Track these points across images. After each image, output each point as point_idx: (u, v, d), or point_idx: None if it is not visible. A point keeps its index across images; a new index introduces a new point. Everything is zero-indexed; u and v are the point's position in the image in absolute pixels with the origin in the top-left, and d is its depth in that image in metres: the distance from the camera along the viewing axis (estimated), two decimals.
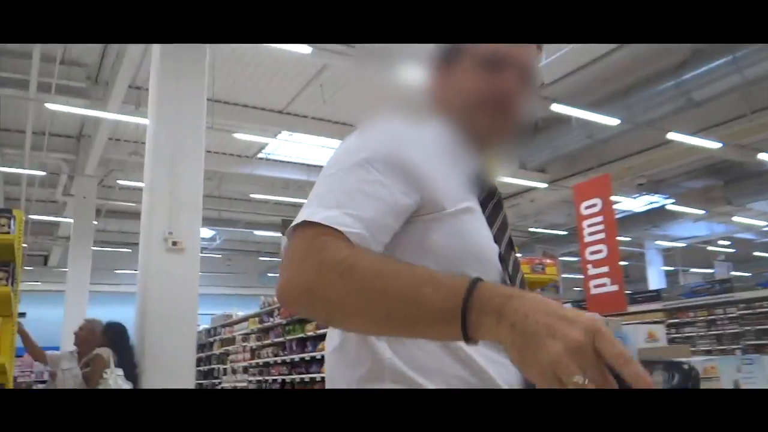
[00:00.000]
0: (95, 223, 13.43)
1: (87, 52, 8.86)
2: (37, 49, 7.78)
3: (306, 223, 0.83)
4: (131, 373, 4.81)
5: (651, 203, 14.95)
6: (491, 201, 1.00)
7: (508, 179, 11.63)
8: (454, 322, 0.69)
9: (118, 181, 12.65)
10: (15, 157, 11.42)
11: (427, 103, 1.04)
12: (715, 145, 9.81)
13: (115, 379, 4.47)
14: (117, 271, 19.91)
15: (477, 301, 0.68)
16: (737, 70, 7.65)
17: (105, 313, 5.79)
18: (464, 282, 0.70)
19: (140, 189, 6.56)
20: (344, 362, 0.95)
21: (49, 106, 8.63)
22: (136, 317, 5.78)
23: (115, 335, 4.95)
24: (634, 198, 14.57)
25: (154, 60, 6.44)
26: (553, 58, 8.38)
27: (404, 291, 0.72)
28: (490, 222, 0.97)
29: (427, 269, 0.75)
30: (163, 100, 6.17)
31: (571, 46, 8.08)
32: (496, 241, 0.95)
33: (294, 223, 0.85)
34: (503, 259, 0.95)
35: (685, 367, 0.69)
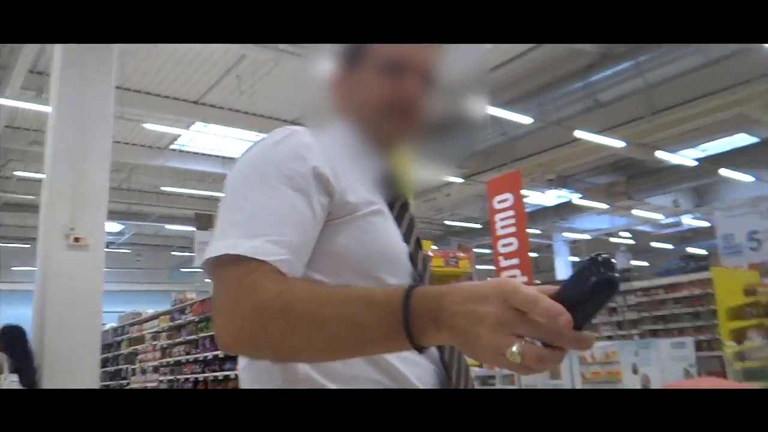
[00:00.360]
0: None
1: None
2: None
3: (228, 256, 0.80)
4: (30, 379, 4.53)
5: (559, 197, 15.63)
6: (398, 201, 1.00)
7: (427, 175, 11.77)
8: (400, 337, 0.70)
9: (16, 173, 11.84)
10: None
11: (332, 105, 1.03)
12: (618, 143, 10.37)
13: (9, 386, 4.20)
14: (13, 269, 18.66)
15: (414, 313, 0.69)
16: (640, 73, 8.10)
17: (0, 314, 5.42)
18: (398, 296, 0.70)
19: (40, 181, 6.17)
20: (257, 379, 0.93)
21: None
22: (34, 318, 5.45)
23: (10, 339, 4.65)
24: (544, 193, 15.18)
25: (57, 44, 6.06)
26: None
27: (344, 318, 0.72)
28: (398, 222, 0.97)
29: (359, 289, 0.77)
30: (67, 86, 5.82)
31: (489, 45, 8.27)
32: (405, 241, 0.96)
33: (213, 255, 0.81)
34: (412, 257, 0.95)
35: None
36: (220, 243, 0.81)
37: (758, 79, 8.39)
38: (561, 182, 14.09)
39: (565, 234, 19.12)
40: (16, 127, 10.57)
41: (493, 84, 10.32)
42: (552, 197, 15.77)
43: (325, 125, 1.01)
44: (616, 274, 0.65)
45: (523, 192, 10.93)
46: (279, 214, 0.83)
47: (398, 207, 0.99)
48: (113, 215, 15.42)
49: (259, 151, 0.90)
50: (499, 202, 8.66)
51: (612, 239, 19.53)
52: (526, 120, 9.49)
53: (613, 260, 0.66)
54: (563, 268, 19.23)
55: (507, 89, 10.24)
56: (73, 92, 5.83)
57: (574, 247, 19.83)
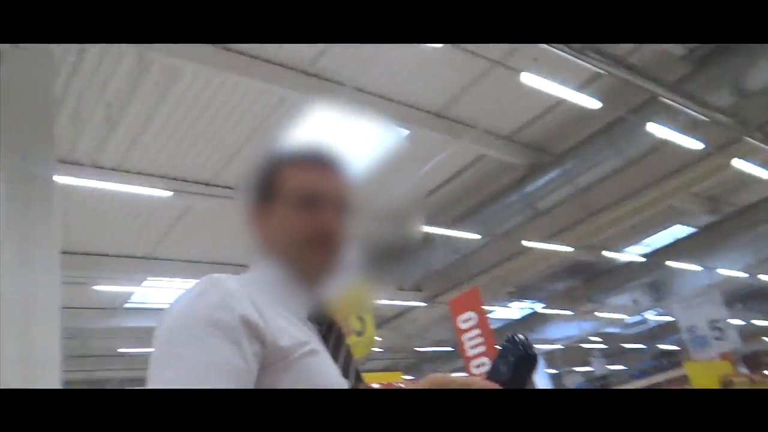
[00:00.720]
0: None
1: None
2: None
3: None
4: None
5: (523, 309, 15.66)
6: (332, 334, 1.01)
7: (386, 301, 11.78)
8: None
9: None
10: None
11: (255, 243, 1.04)
12: (566, 248, 10.65)
13: None
14: None
15: None
16: (569, 180, 8.53)
17: None
18: None
19: None
20: None
21: None
22: None
23: None
24: (509, 306, 15.22)
25: None
26: (411, 182, 8.92)
27: None
28: (335, 356, 0.97)
29: None
30: (8, 255, 5.77)
31: (424, 169, 8.69)
32: (344, 375, 0.96)
33: None
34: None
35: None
36: None
37: (678, 172, 8.92)
38: (522, 293, 14.20)
39: (537, 346, 18.89)
40: None
41: (435, 205, 10.68)
42: (516, 310, 15.79)
43: (252, 264, 1.03)
44: (532, 350, 0.75)
45: (486, 308, 10.97)
46: (212, 369, 0.82)
47: (333, 341, 1.00)
48: (73, 385, 14.75)
49: (185, 304, 0.89)
50: (464, 321, 8.63)
51: (584, 345, 19.38)
52: (474, 236, 9.73)
53: (525, 338, 0.77)
54: (541, 381, 18.82)
55: (450, 209, 10.59)
56: (15, 264, 5.78)
57: (549, 357, 19.56)
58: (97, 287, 9.90)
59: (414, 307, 13.44)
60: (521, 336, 0.75)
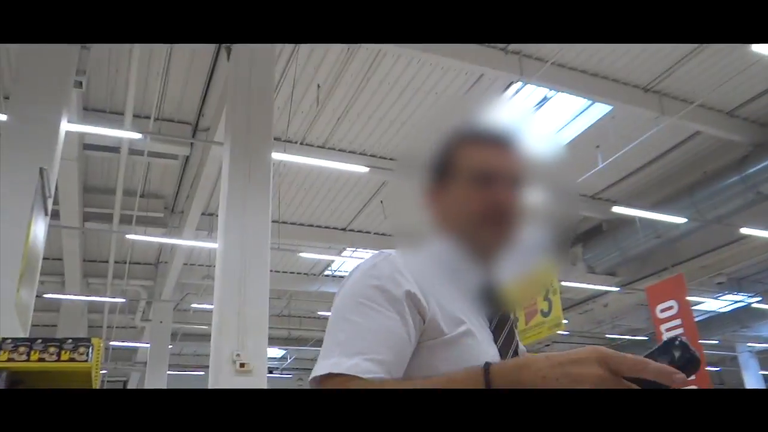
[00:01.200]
0: (170, 346, 13.81)
1: (165, 184, 9.57)
2: (120, 184, 8.49)
3: (331, 375, 0.87)
4: None
5: (735, 302, 14.10)
6: (499, 317, 1.02)
7: (575, 284, 11.34)
8: None
9: (192, 305, 13.11)
10: (99, 287, 12.12)
11: (428, 221, 1.07)
12: None
13: None
14: None
15: (496, 379, 0.76)
16: None
17: None
18: (477, 373, 0.78)
19: (212, 311, 6.78)
20: None
21: (130, 236, 9.26)
22: None
23: None
24: (717, 298, 13.80)
25: (223, 187, 6.88)
26: (611, 161, 8.41)
27: (432, 388, 0.80)
28: (496, 336, 0.99)
29: (440, 375, 0.83)
30: (231, 224, 6.49)
31: (627, 147, 8.12)
32: (502, 357, 0.97)
33: (319, 373, 0.88)
34: None
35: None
36: (325, 362, 0.88)
37: None
38: (734, 285, 12.77)
39: (750, 344, 16.96)
40: (192, 264, 11.87)
41: (638, 186, 9.96)
42: (726, 302, 14.27)
43: (420, 243, 1.06)
44: (696, 353, 0.73)
45: (690, 298, 10.07)
46: (376, 335, 0.89)
47: (497, 321, 1.01)
48: (275, 341, 16.37)
49: (358, 276, 0.96)
50: (662, 310, 8.07)
51: None
52: (680, 220, 8.93)
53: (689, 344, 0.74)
54: (753, 382, 16.89)
55: (654, 190, 9.81)
56: (235, 229, 6.48)
57: (764, 358, 17.46)
58: (302, 254, 10.77)
59: (606, 292, 12.75)
60: (685, 340, 0.74)
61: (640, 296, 11.50)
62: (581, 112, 8.33)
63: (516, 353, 1.01)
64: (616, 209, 9.00)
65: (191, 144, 8.26)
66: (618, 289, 12.07)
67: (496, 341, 0.98)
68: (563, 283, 11.04)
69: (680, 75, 7.49)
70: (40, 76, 5.26)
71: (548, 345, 16.93)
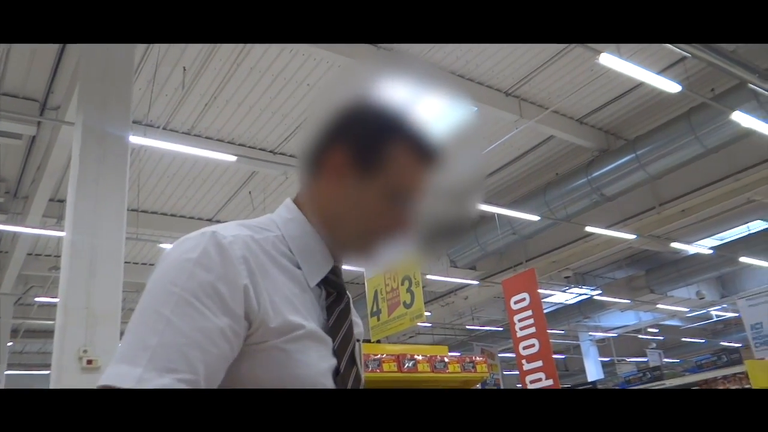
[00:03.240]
0: (10, 344, 12.59)
1: (6, 166, 8.67)
2: None
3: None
4: None
5: (579, 295, 15.37)
6: (338, 307, 0.92)
7: (439, 277, 11.76)
8: None
9: (36, 299, 12.03)
10: None
11: (312, 196, 0.94)
12: (629, 236, 10.33)
13: None
14: None
15: None
16: (640, 166, 8.23)
17: None
18: None
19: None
20: None
21: None
22: None
23: None
24: (564, 291, 14.96)
25: (72, 171, 6.36)
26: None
27: None
28: (333, 332, 0.88)
29: None
30: (80, 211, 6.01)
31: (490, 147, 8.54)
32: (337, 355, 0.87)
33: (114, 385, 0.72)
34: (345, 377, 0.87)
35: None
36: (127, 370, 0.72)
37: (762, 164, 8.46)
38: (579, 279, 13.92)
39: (592, 333, 18.60)
40: (38, 254, 10.88)
41: (498, 185, 10.53)
42: (572, 295, 15.53)
43: (287, 211, 0.94)
44: None
45: (541, 291, 10.81)
46: (196, 347, 0.74)
47: (336, 314, 0.90)
48: None
49: (179, 259, 0.80)
50: (516, 302, 8.55)
51: (640, 336, 18.93)
52: (534, 218, 9.55)
53: None
54: (593, 368, 18.53)
55: (512, 189, 10.43)
56: (86, 216, 6.01)
57: (603, 346, 19.21)
58: (163, 245, 10.23)
59: (466, 285, 13.37)
60: None
61: (498, 289, 12.18)
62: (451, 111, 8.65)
63: (352, 354, 0.90)
64: (479, 206, 9.45)
65: (38, 123, 7.53)
66: (477, 282, 12.69)
67: (334, 336, 0.88)
68: (428, 277, 11.42)
69: (538, 81, 8.00)
70: None
71: (412, 336, 17.49)
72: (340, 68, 7.24)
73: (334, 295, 0.92)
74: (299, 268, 0.89)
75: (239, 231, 0.86)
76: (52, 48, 6.67)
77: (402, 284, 8.52)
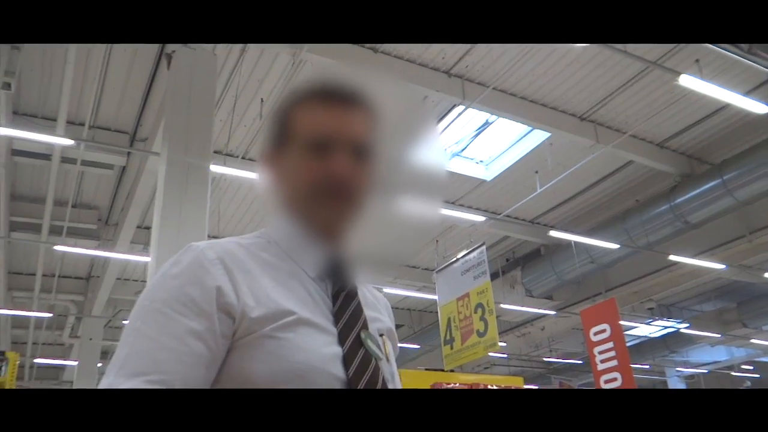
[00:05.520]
0: (100, 365, 13.26)
1: (99, 194, 9.26)
2: (51, 193, 8.16)
3: None
4: None
5: (665, 328, 14.61)
6: (342, 293, 0.90)
7: (513, 306, 11.52)
8: None
9: (124, 322, 12.63)
10: (24, 300, 11.55)
11: (270, 196, 0.94)
12: (718, 266, 9.77)
13: None
14: None
15: None
16: (728, 192, 7.81)
17: None
18: None
19: None
20: None
21: (59, 248, 8.87)
22: None
23: None
24: (648, 323, 14.27)
25: (158, 199, 6.70)
26: (548, 187, 8.63)
27: None
28: (337, 318, 0.86)
29: None
30: (165, 238, 6.31)
31: (565, 173, 8.35)
32: (340, 341, 0.84)
33: None
34: (347, 359, 0.84)
35: None
36: (104, 378, 0.75)
37: None
38: (663, 311, 13.25)
39: (679, 369, 17.59)
40: (126, 279, 11.48)
41: (574, 212, 10.26)
42: (657, 328, 14.78)
43: (270, 219, 0.94)
44: None
45: (622, 323, 10.37)
46: (165, 348, 0.75)
47: (341, 300, 0.89)
48: None
49: (159, 276, 0.82)
50: (596, 334, 8.25)
51: (733, 374, 17.72)
52: (613, 246, 9.22)
53: None
54: None
55: (589, 216, 10.13)
56: (170, 243, 6.30)
57: (692, 382, 18.11)
58: None
59: (543, 316, 13.00)
60: None
61: (576, 320, 11.78)
62: (521, 138, 8.55)
63: (358, 337, 0.87)
64: (553, 234, 9.23)
65: (128, 154, 8.03)
66: (554, 312, 12.31)
67: (337, 322, 0.86)
68: (502, 306, 11.20)
69: (614, 106, 7.80)
70: None
71: (487, 368, 17.11)
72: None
73: (339, 284, 0.90)
74: (294, 265, 0.89)
75: (222, 241, 0.87)
76: (142, 83, 7.12)
77: (475, 312, 8.42)
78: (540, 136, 8.28)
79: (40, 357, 14.57)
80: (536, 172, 8.76)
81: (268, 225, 0.94)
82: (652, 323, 14.39)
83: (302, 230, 0.91)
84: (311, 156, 0.88)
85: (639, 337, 15.79)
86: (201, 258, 0.82)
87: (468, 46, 6.74)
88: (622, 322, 9.82)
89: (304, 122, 0.90)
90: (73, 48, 5.83)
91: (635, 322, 14.10)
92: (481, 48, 6.76)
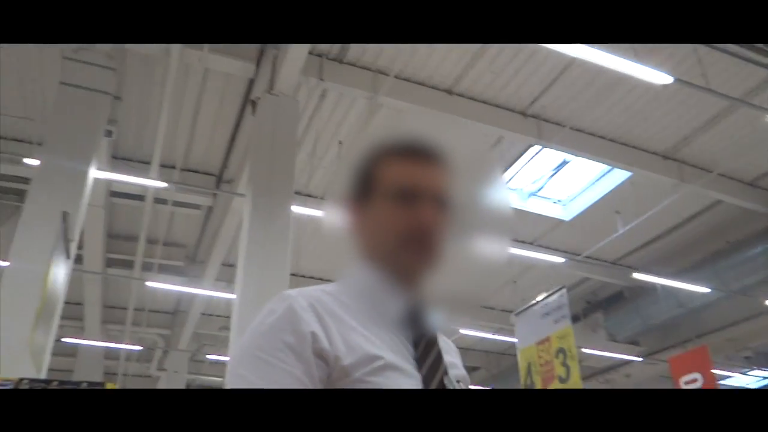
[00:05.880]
0: None
1: (186, 233, 9.75)
2: (143, 232, 8.67)
3: None
4: None
5: (764, 378, 13.58)
6: (423, 339, 0.94)
7: (596, 351, 11.08)
8: None
9: (208, 356, 13.07)
10: (117, 333, 12.20)
11: (352, 248, 0.99)
12: None
13: None
14: None
15: None
16: None
17: None
18: None
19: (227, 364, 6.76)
20: None
21: (150, 283, 9.38)
22: None
23: None
24: (745, 373, 13.33)
25: (242, 239, 6.98)
26: (631, 227, 8.36)
27: None
28: (420, 363, 0.90)
29: None
30: (249, 276, 6.52)
31: (648, 214, 8.08)
32: (425, 385, 0.88)
33: None
34: None
35: None
36: None
37: None
38: (763, 360, 12.34)
39: None
40: (210, 314, 11.92)
41: (659, 254, 9.85)
42: (754, 379, 13.76)
43: (346, 272, 0.98)
44: None
45: (716, 372, 9.74)
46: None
47: (422, 347, 0.92)
48: None
49: (255, 325, 0.88)
50: (687, 383, 7.85)
51: None
52: (703, 289, 8.76)
53: None
54: None
55: (675, 259, 9.69)
56: (253, 281, 6.50)
57: None
58: None
59: (628, 362, 12.40)
60: None
61: (664, 367, 11.17)
62: (600, 177, 8.37)
63: (441, 380, 0.91)
64: (637, 276, 8.88)
65: (214, 195, 8.46)
66: (640, 359, 11.74)
67: (420, 370, 0.89)
68: (584, 350, 10.80)
69: (699, 144, 7.52)
70: (72, 124, 5.50)
71: None
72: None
73: (420, 330, 0.94)
74: (378, 312, 0.93)
75: (309, 289, 0.93)
76: (228, 128, 7.53)
77: (556, 357, 8.16)
78: (620, 175, 8.08)
79: (128, 388, 15.22)
80: (617, 212, 8.51)
81: (349, 272, 0.98)
82: (749, 373, 13.42)
83: (384, 277, 0.95)
84: (398, 205, 0.94)
85: (735, 388, 14.73)
86: (294, 306, 0.87)
87: (543, 86, 6.73)
88: (715, 371, 9.24)
89: (390, 175, 0.96)
90: (167, 96, 6.27)
91: (731, 372, 13.20)
92: (557, 87, 6.74)
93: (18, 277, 4.82)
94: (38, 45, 6.30)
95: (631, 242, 9.52)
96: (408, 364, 0.89)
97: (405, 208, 0.93)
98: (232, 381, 0.83)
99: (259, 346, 0.84)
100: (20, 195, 7.79)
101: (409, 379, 0.87)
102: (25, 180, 7.02)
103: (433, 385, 0.89)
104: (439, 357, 0.93)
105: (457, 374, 0.98)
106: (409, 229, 0.93)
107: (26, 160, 6.80)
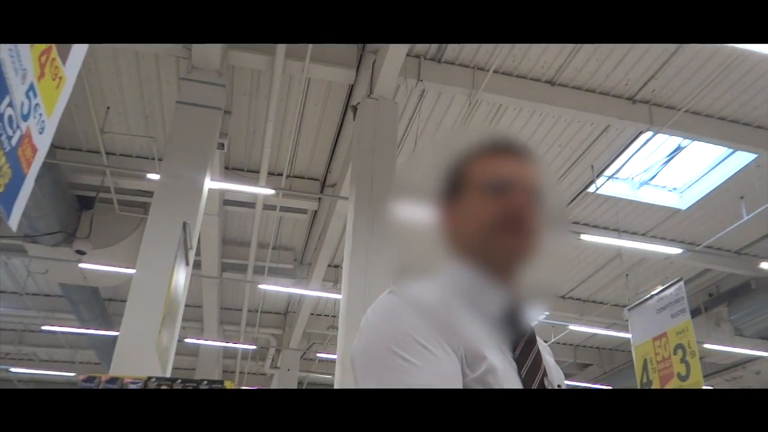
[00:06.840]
0: None
1: (294, 237, 10.09)
2: (254, 237, 9.07)
3: None
4: None
5: None
6: (522, 338, 0.92)
7: (719, 347, 10.38)
8: None
9: (318, 354, 13.48)
10: (233, 333, 12.84)
11: (443, 244, 0.97)
12: None
13: None
14: None
15: None
16: None
17: None
18: None
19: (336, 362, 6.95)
20: None
21: (262, 286, 9.78)
22: None
23: None
24: None
25: (347, 240, 7.13)
26: (757, 213, 7.75)
27: None
28: (520, 363, 0.89)
29: None
30: (354, 276, 6.66)
31: None
32: (524, 385, 0.87)
33: None
34: None
35: None
36: None
37: None
38: None
39: None
40: (318, 314, 12.27)
41: None
42: None
43: (436, 272, 0.96)
44: None
45: None
46: (444, 382, 0.79)
47: (522, 347, 0.91)
48: None
49: (374, 326, 0.86)
50: None
51: None
52: None
53: None
54: None
55: None
56: (359, 281, 6.64)
57: None
58: None
59: (757, 358, 11.52)
60: None
61: None
62: (720, 162, 7.81)
63: (542, 382, 0.89)
64: (765, 266, 8.22)
65: (319, 199, 8.69)
66: None
67: (520, 371, 0.88)
68: (706, 346, 10.16)
69: None
70: (188, 139, 5.85)
71: None
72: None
73: (519, 329, 0.92)
74: (477, 309, 0.91)
75: (415, 288, 0.90)
76: (330, 134, 7.71)
77: (675, 353, 7.73)
78: (743, 158, 7.50)
79: (245, 386, 15.97)
80: (741, 197, 7.92)
81: (442, 272, 0.96)
82: None
83: (480, 272, 0.93)
84: (492, 196, 0.94)
85: None
86: (417, 302, 0.85)
87: (653, 70, 6.38)
88: None
89: (482, 170, 0.97)
90: (273, 107, 6.51)
91: None
92: (669, 70, 6.36)
93: (144, 284, 5.20)
94: (157, 70, 6.74)
95: (759, 230, 8.81)
96: (508, 365, 0.88)
97: (497, 198, 0.93)
98: (371, 382, 0.81)
99: (388, 344, 0.81)
100: (144, 207, 8.38)
101: (510, 382, 0.86)
102: (149, 194, 7.53)
103: (535, 385, 0.88)
104: (538, 357, 0.92)
105: (557, 377, 0.96)
106: (504, 214, 0.92)
107: (149, 175, 7.30)
